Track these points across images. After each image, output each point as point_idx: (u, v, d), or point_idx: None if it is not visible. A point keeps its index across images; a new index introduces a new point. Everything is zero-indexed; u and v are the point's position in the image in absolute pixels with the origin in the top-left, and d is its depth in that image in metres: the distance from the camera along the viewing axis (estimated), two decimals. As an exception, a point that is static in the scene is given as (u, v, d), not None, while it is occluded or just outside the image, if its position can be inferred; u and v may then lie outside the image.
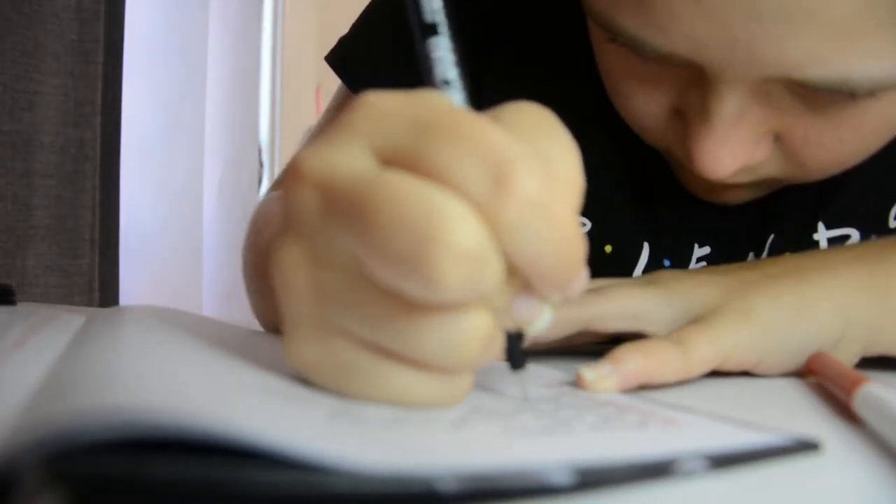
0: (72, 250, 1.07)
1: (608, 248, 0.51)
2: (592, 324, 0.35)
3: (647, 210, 0.52)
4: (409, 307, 0.21)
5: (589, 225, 0.52)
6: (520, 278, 0.22)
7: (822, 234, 0.48)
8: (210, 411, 0.17)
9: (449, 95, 0.24)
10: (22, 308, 0.50)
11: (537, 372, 0.32)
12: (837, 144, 0.40)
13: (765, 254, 0.49)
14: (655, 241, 0.51)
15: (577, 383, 0.29)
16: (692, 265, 0.51)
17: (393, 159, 0.22)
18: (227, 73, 1.57)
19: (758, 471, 0.19)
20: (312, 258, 0.23)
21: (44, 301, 1.01)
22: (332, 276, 0.22)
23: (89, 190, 1.08)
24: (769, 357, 0.33)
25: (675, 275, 0.37)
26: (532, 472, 0.16)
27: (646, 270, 0.51)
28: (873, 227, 0.48)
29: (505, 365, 0.25)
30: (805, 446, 0.21)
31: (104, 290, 1.11)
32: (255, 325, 0.55)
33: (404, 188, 0.20)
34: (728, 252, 0.50)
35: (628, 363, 0.30)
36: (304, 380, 0.25)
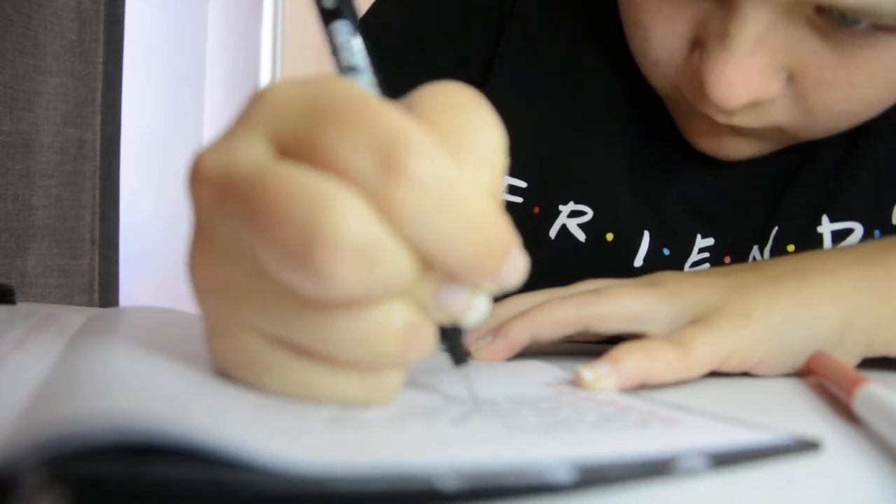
0: (72, 250, 1.07)
1: (609, 237, 0.51)
2: (592, 324, 0.35)
3: (651, 198, 0.52)
4: (318, 304, 0.20)
5: (590, 213, 0.52)
6: (441, 269, 0.21)
7: (826, 228, 0.48)
8: (208, 421, 0.17)
9: (355, 81, 0.23)
10: (22, 308, 0.50)
11: (538, 369, 0.32)
12: (849, 88, 0.40)
13: (769, 246, 0.49)
14: (656, 230, 0.51)
15: (576, 383, 0.29)
16: (694, 256, 0.51)
17: (289, 148, 0.21)
18: (227, 73, 1.58)
19: (757, 470, 0.19)
20: (220, 258, 0.22)
21: (44, 301, 1.01)
22: (236, 273, 0.22)
23: (89, 190, 1.08)
24: (769, 357, 0.33)
25: (675, 276, 0.37)
26: (533, 470, 0.16)
27: (645, 259, 0.51)
28: (877, 222, 0.48)
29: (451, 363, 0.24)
30: (805, 445, 0.21)
31: (104, 290, 1.11)
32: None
33: (289, 178, 0.19)
34: (733, 244, 0.51)
35: (627, 363, 0.30)
36: None
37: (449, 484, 0.15)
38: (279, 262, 0.20)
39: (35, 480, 0.13)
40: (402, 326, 0.21)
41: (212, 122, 1.50)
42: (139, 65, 1.23)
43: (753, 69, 0.39)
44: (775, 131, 0.44)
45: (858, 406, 0.25)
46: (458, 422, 0.21)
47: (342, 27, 0.23)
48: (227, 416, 0.19)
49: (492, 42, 0.56)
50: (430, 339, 0.22)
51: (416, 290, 0.21)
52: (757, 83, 0.39)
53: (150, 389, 0.21)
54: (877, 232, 0.48)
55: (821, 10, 0.37)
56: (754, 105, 0.41)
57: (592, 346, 0.41)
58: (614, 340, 0.34)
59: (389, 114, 0.20)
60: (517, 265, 0.21)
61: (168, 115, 1.34)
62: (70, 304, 1.03)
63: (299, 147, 0.20)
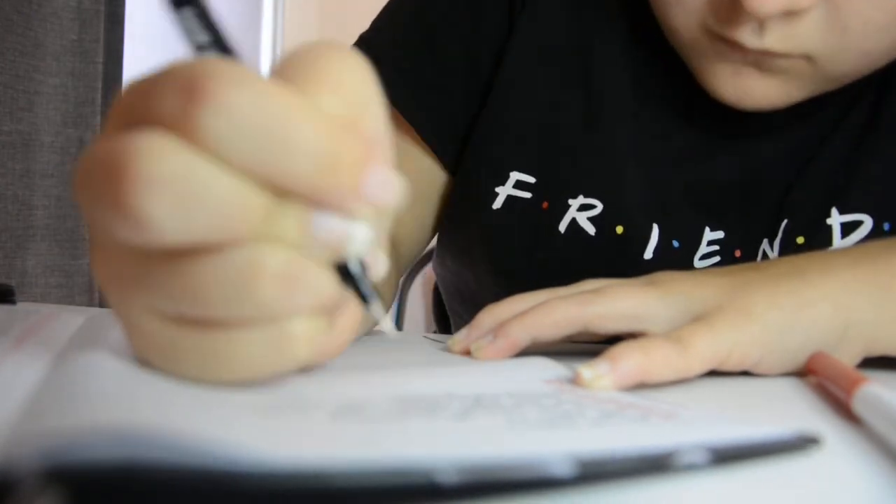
0: (72, 250, 1.07)
1: (619, 229, 0.51)
2: (592, 323, 0.35)
3: (660, 191, 0.52)
4: (185, 264, 0.20)
5: (600, 206, 0.52)
6: (298, 198, 0.20)
7: (836, 220, 0.48)
8: (206, 429, 0.17)
9: (206, 57, 0.23)
10: (21, 308, 0.50)
11: (539, 365, 0.32)
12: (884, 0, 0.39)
13: (778, 238, 0.49)
14: (665, 222, 0.51)
15: (575, 381, 0.29)
16: (703, 248, 0.51)
17: (127, 123, 0.21)
18: (226, 73, 1.58)
19: (756, 469, 0.19)
20: (107, 251, 0.22)
21: (44, 301, 1.01)
22: (122, 264, 0.22)
23: (89, 190, 1.08)
24: (769, 356, 0.33)
25: (675, 275, 0.37)
26: (533, 464, 0.16)
27: (655, 252, 0.51)
28: (886, 215, 0.48)
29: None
30: (806, 441, 0.21)
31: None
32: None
33: (108, 140, 0.20)
34: (742, 237, 0.51)
35: (626, 361, 0.30)
36: (305, 379, 0.25)
37: (449, 477, 0.15)
38: (102, 217, 0.19)
39: (33, 481, 0.13)
40: (275, 268, 0.20)
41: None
42: (139, 65, 1.23)
43: None
44: (804, 64, 0.43)
45: (858, 406, 0.25)
46: (461, 417, 0.21)
47: (186, 13, 0.23)
48: (229, 420, 0.19)
49: (502, 38, 0.56)
50: (318, 279, 0.21)
51: (283, 228, 0.20)
52: None
53: (149, 390, 0.21)
54: (886, 225, 0.48)
55: None
56: (787, 19, 0.40)
57: (593, 345, 0.41)
58: (615, 340, 0.34)
59: (198, 62, 0.20)
60: (383, 179, 0.20)
61: (168, 115, 1.34)
62: (70, 304, 1.03)
63: (131, 118, 0.21)
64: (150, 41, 1.29)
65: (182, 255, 0.20)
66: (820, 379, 0.32)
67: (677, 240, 0.51)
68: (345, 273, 0.22)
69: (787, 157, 0.50)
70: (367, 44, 0.58)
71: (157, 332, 0.22)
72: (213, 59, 0.20)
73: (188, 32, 0.23)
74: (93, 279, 1.09)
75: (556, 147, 0.53)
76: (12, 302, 0.54)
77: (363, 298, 0.22)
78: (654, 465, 0.18)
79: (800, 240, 0.49)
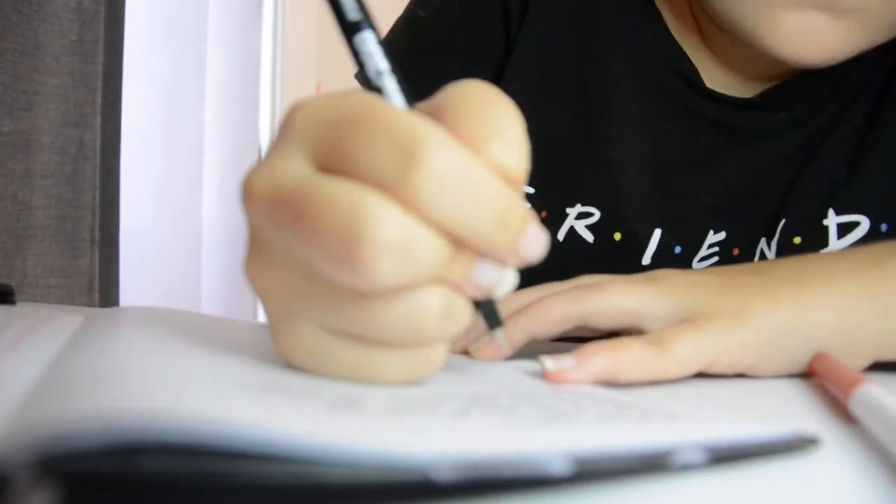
0: (72, 250, 1.07)
1: (617, 236, 0.52)
2: (588, 319, 0.35)
3: (660, 197, 0.52)
4: (364, 295, 0.23)
5: (598, 214, 0.52)
6: (470, 248, 0.23)
7: (832, 220, 0.48)
8: (203, 410, 0.17)
9: (384, 84, 0.25)
10: (21, 308, 0.50)
11: (531, 367, 0.32)
12: None
13: (776, 239, 0.49)
14: (668, 226, 0.51)
15: (542, 373, 0.30)
16: (704, 251, 0.51)
17: (324, 159, 0.23)
18: (227, 73, 1.58)
19: (753, 470, 0.19)
20: (277, 265, 0.25)
21: (44, 301, 1.01)
22: (292, 276, 0.24)
23: (89, 190, 1.08)
24: (764, 360, 0.33)
25: (674, 273, 0.37)
26: (529, 462, 0.16)
27: (655, 256, 0.51)
28: (883, 216, 0.48)
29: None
30: (805, 441, 0.21)
31: (104, 291, 1.11)
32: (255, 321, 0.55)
33: (328, 190, 0.22)
34: (742, 238, 0.51)
35: (593, 359, 0.30)
36: (303, 372, 0.25)
37: (445, 475, 0.15)
38: (327, 264, 0.22)
39: (27, 477, 0.13)
40: (439, 306, 0.23)
41: (212, 121, 1.50)
42: (139, 65, 1.23)
43: None
44: (878, 2, 0.41)
45: (854, 407, 0.25)
46: (458, 414, 0.21)
47: (367, 37, 0.25)
48: (226, 404, 0.19)
49: (500, 55, 0.56)
50: (465, 313, 0.24)
51: (451, 270, 0.23)
52: None
53: (148, 387, 0.21)
54: (883, 225, 0.48)
55: None
56: None
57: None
58: (616, 335, 0.34)
59: (405, 117, 0.22)
60: (537, 239, 0.24)
61: (168, 115, 1.34)
62: (70, 304, 1.03)
63: (332, 158, 0.23)
64: (150, 41, 1.29)
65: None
66: (821, 379, 0.32)
67: (679, 244, 0.51)
68: (476, 304, 0.26)
69: (786, 158, 0.50)
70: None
71: (315, 340, 0.25)
72: (417, 120, 0.22)
73: (367, 57, 0.25)
74: (92, 279, 1.09)
75: (555, 157, 0.53)
76: (12, 302, 0.54)
77: (490, 323, 0.27)
78: (651, 464, 0.18)
79: (797, 240, 0.49)
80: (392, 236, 0.21)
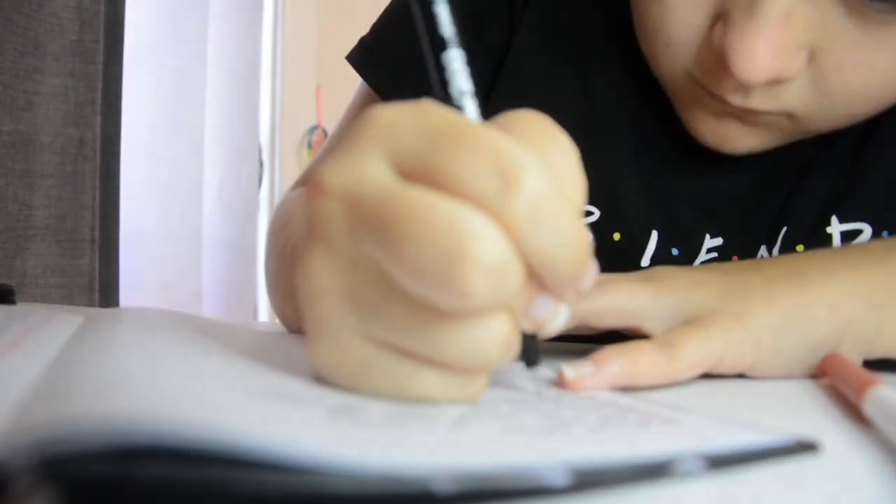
0: (72, 250, 1.07)
1: (616, 236, 0.51)
2: (588, 318, 0.35)
3: (659, 198, 0.52)
4: (437, 314, 0.22)
5: (597, 213, 0.52)
6: (536, 279, 0.23)
7: (836, 228, 0.48)
8: (203, 418, 0.17)
9: (465, 105, 0.25)
10: (21, 308, 0.50)
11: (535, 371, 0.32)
12: (870, 72, 0.40)
13: (777, 246, 0.49)
14: (665, 229, 0.51)
15: (558, 382, 0.29)
16: (702, 256, 0.51)
17: (409, 170, 0.22)
18: (227, 73, 1.57)
19: (762, 473, 0.19)
20: (339, 267, 0.24)
21: (44, 301, 1.01)
22: (359, 283, 0.23)
23: (89, 190, 1.08)
24: (764, 360, 0.33)
25: (673, 272, 0.37)
26: (529, 473, 0.16)
27: (653, 259, 0.51)
28: (885, 223, 0.48)
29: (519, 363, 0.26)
30: (804, 447, 0.21)
31: (104, 291, 1.11)
32: (254, 324, 0.55)
33: (428, 203, 0.21)
34: (741, 244, 0.50)
35: (611, 365, 0.30)
36: (304, 378, 0.25)
37: (444, 486, 0.15)
38: (418, 279, 0.21)
39: (27, 480, 0.13)
40: (507, 335, 0.23)
41: (212, 121, 1.50)
42: (139, 65, 1.22)
43: (780, 42, 0.38)
44: (785, 120, 0.44)
45: (868, 408, 0.25)
46: (458, 424, 0.21)
47: (455, 55, 0.25)
48: (225, 410, 0.19)
49: (502, 50, 0.56)
50: (517, 344, 0.24)
51: (514, 300, 0.23)
52: (782, 57, 0.39)
53: (147, 389, 0.21)
54: (885, 233, 0.48)
55: None
56: (772, 84, 0.40)
57: (591, 346, 0.41)
58: (613, 335, 0.34)
59: (503, 138, 0.22)
60: (593, 273, 0.23)
61: (168, 115, 1.34)
62: (70, 304, 1.03)
63: (419, 169, 0.22)
64: (150, 41, 1.28)
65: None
66: (832, 380, 0.32)
67: (677, 248, 0.51)
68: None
69: (787, 165, 0.50)
70: (370, 51, 0.58)
71: (356, 349, 0.24)
72: (513, 142, 0.22)
73: (453, 75, 0.25)
74: (92, 279, 1.09)
75: None
76: (12, 302, 0.54)
77: (529, 361, 0.26)
78: (650, 475, 0.18)
79: (799, 248, 0.49)
80: (494, 257, 0.21)
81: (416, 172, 0.22)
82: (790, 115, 0.43)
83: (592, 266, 0.23)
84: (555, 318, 0.24)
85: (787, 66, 0.39)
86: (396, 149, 0.23)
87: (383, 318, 0.23)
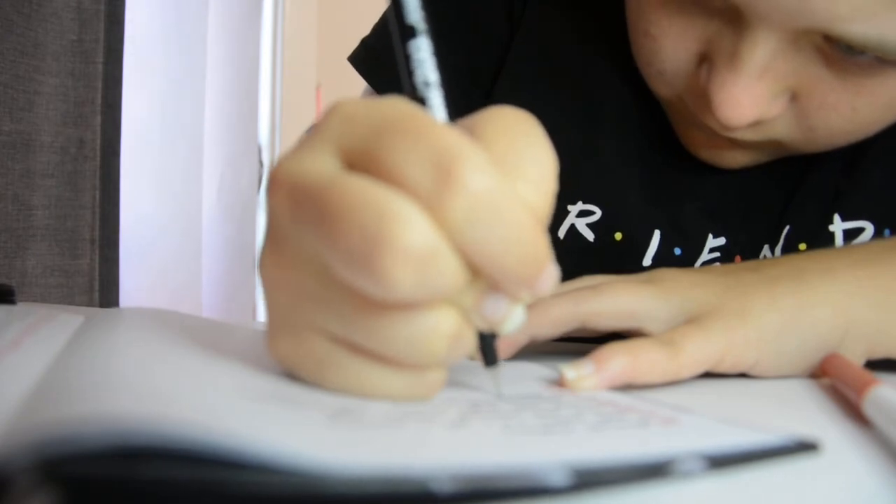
0: (72, 250, 1.07)
1: (618, 236, 0.52)
2: (589, 321, 0.35)
3: (661, 198, 0.52)
4: (376, 305, 0.22)
5: (599, 213, 0.52)
6: (486, 278, 0.23)
7: (838, 226, 0.49)
8: (204, 420, 0.17)
9: (429, 96, 0.25)
10: (21, 308, 0.50)
11: (533, 370, 0.32)
12: (850, 112, 0.41)
13: (780, 245, 0.49)
14: (667, 229, 0.51)
15: (559, 382, 0.29)
16: (705, 255, 0.51)
17: (356, 161, 0.22)
18: (227, 73, 1.57)
19: (762, 473, 0.19)
20: (289, 260, 0.24)
21: (44, 301, 1.01)
22: (304, 276, 0.23)
23: (89, 190, 1.08)
24: (765, 359, 0.33)
25: (674, 273, 0.37)
26: (529, 473, 0.16)
27: (655, 259, 0.51)
28: (887, 221, 0.48)
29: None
30: (804, 447, 0.21)
31: (104, 291, 1.11)
32: (254, 324, 0.55)
33: (357, 189, 0.21)
34: (744, 244, 0.51)
35: (612, 363, 0.30)
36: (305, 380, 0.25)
37: (444, 486, 0.15)
38: (345, 265, 0.21)
39: (27, 480, 0.13)
40: (449, 330, 0.23)
41: (212, 121, 1.50)
42: (139, 65, 1.22)
43: (760, 92, 0.40)
44: (774, 144, 0.45)
45: (868, 408, 0.25)
46: (458, 423, 0.21)
47: (422, 44, 0.25)
48: (226, 412, 0.19)
49: (502, 48, 0.56)
50: (471, 342, 0.24)
51: (463, 297, 0.23)
52: (762, 104, 0.40)
53: (148, 390, 0.21)
54: (886, 231, 0.48)
55: (829, 39, 0.38)
56: (754, 125, 0.42)
57: (590, 346, 0.41)
58: (615, 336, 0.34)
59: (446, 131, 0.22)
60: (551, 276, 0.23)
61: (168, 115, 1.34)
62: (70, 304, 1.03)
63: (364, 160, 0.22)
64: (150, 41, 1.28)
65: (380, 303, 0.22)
66: (833, 380, 0.32)
67: (679, 247, 0.51)
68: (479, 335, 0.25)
69: (789, 164, 0.50)
70: (371, 51, 0.58)
71: (316, 346, 0.24)
72: (460, 137, 0.22)
73: (418, 64, 0.25)
74: (92, 279, 1.09)
75: (556, 154, 0.53)
76: (12, 302, 0.54)
77: (487, 360, 0.26)
78: (650, 474, 0.18)
79: (802, 246, 0.49)
80: (417, 245, 0.20)
81: (360, 162, 0.22)
82: (778, 142, 0.45)
83: (551, 268, 0.23)
84: (510, 318, 0.24)
85: (767, 111, 0.41)
86: (346, 141, 0.23)
87: (332, 312, 0.23)
